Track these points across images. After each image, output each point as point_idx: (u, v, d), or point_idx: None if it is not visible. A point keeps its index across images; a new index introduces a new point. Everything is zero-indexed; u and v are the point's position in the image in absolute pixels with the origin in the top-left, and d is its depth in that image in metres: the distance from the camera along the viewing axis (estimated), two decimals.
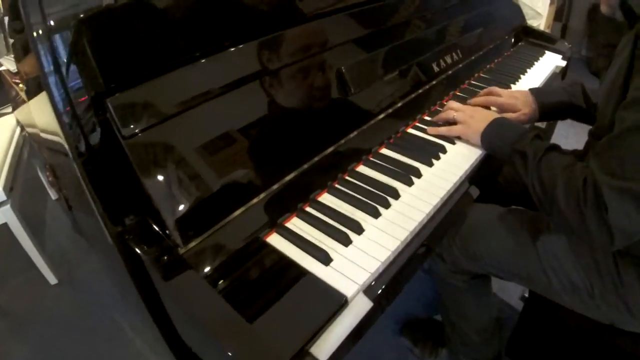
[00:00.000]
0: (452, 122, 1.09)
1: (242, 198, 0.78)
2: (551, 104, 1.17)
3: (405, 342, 1.52)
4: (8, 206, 1.53)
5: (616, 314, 0.92)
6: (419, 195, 0.90)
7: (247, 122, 0.83)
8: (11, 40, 0.96)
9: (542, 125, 1.45)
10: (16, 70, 1.52)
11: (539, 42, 1.77)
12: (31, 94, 0.93)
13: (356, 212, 0.85)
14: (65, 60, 0.68)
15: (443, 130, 1.09)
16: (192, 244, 0.70)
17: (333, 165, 0.94)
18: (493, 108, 1.19)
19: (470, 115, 1.06)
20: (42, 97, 0.73)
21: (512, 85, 1.42)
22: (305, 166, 0.89)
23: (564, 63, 1.64)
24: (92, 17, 0.70)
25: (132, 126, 0.69)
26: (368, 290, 0.71)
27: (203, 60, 0.81)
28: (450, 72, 1.33)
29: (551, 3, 2.92)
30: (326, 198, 0.90)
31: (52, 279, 1.81)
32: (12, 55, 1.43)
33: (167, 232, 0.69)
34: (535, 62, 1.61)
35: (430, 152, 1.02)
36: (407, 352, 1.50)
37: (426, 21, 1.30)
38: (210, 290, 0.64)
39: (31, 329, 1.65)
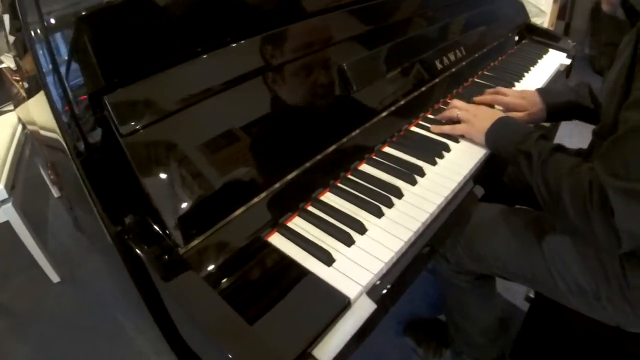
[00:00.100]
0: (456, 121, 1.08)
1: (243, 197, 0.77)
2: (558, 104, 1.16)
3: (408, 342, 1.52)
4: (10, 204, 1.52)
5: (622, 315, 0.91)
6: (422, 195, 0.89)
7: (248, 119, 0.82)
8: (11, 38, 0.96)
9: (545, 124, 1.44)
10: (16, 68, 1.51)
11: (543, 40, 1.75)
12: (31, 92, 0.92)
13: (359, 212, 0.85)
14: (62, 59, 0.67)
15: (447, 128, 1.08)
16: (193, 243, 0.70)
17: (335, 164, 0.93)
18: (498, 107, 1.18)
19: (474, 114, 1.05)
20: (40, 96, 0.72)
21: (516, 84, 1.41)
22: (307, 164, 0.88)
23: (568, 61, 1.62)
24: (91, 14, 0.69)
25: (130, 124, 0.68)
26: (371, 292, 0.70)
27: (202, 57, 0.80)
28: (453, 69, 1.32)
29: (554, 1, 2.91)
30: (328, 197, 0.89)
31: (55, 278, 1.80)
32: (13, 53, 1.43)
33: (166, 231, 0.68)
34: (540, 60, 1.59)
35: (434, 151, 1.01)
36: (411, 352, 1.50)
37: (429, 18, 1.29)
38: (210, 291, 0.63)
39: (33, 327, 1.65)
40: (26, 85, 1.01)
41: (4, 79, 1.72)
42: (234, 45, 0.84)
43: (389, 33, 1.14)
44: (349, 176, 0.94)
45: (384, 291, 0.72)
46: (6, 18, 0.81)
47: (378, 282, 0.72)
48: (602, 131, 0.89)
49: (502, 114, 1.04)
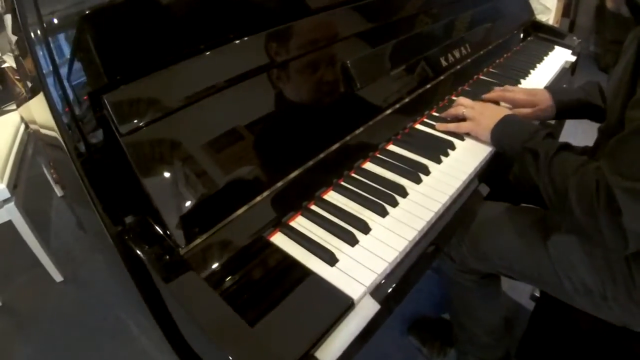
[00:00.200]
0: (461, 118, 1.08)
1: (245, 196, 0.76)
2: (568, 102, 1.15)
3: (412, 342, 1.51)
4: (12, 204, 1.52)
5: (629, 316, 0.90)
6: (427, 193, 0.88)
7: (250, 117, 0.81)
8: (14, 38, 0.96)
9: (551, 122, 1.43)
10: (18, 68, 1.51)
11: (548, 37, 1.75)
12: (31, 92, 0.92)
13: (363, 211, 0.84)
14: (62, 59, 0.67)
15: (452, 126, 1.07)
16: (194, 243, 0.69)
17: (339, 162, 0.92)
18: (504, 104, 1.17)
19: (479, 112, 1.05)
20: (41, 96, 0.71)
21: (521, 81, 1.40)
22: (310, 163, 0.87)
23: (573, 58, 1.62)
24: (93, 13, 0.68)
25: (129, 123, 0.67)
26: (375, 292, 0.70)
27: (203, 54, 0.79)
28: (458, 66, 1.31)
29: None
30: (332, 196, 0.88)
31: (58, 277, 1.80)
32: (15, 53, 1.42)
33: (167, 232, 0.68)
34: (545, 57, 1.59)
35: (438, 149, 1.01)
36: (415, 351, 1.49)
37: (434, 15, 1.28)
38: (211, 292, 0.62)
39: (36, 326, 1.64)
40: (29, 84, 1.01)
41: (6, 79, 1.72)
42: (235, 42, 0.83)
43: (393, 30, 1.13)
44: (353, 175, 0.94)
45: (388, 291, 0.71)
46: (8, 18, 0.80)
47: (382, 282, 0.72)
48: (608, 129, 0.88)
49: (508, 112, 1.03)
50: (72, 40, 0.67)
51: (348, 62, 0.98)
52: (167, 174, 0.69)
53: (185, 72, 0.76)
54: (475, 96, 1.20)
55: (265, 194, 0.79)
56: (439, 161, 0.98)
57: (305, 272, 0.70)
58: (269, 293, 0.66)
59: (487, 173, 0.99)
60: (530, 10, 1.81)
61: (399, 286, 0.73)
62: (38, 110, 0.90)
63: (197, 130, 0.74)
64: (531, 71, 1.47)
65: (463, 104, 1.09)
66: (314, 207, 0.85)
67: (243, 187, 0.77)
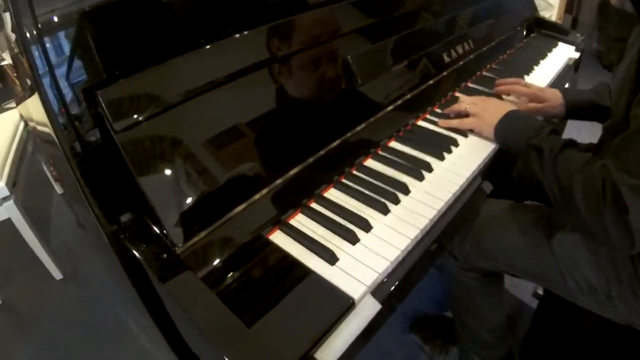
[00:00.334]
0: (464, 115, 1.07)
1: (243, 194, 0.76)
2: (578, 102, 1.15)
3: (414, 339, 1.50)
4: (11, 201, 1.52)
5: (634, 314, 0.90)
6: (430, 191, 0.88)
7: (248, 114, 0.80)
8: (13, 36, 0.95)
9: (554, 120, 1.43)
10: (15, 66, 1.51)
11: (551, 33, 1.74)
12: (29, 90, 0.91)
13: (364, 209, 0.83)
14: (57, 58, 0.66)
15: (455, 122, 1.07)
16: (191, 242, 0.68)
17: (340, 159, 0.92)
18: (510, 97, 1.17)
19: (483, 108, 1.04)
20: (36, 95, 0.71)
21: (525, 77, 1.39)
22: (311, 160, 0.86)
23: (577, 55, 1.61)
24: (87, 10, 0.68)
25: (124, 120, 0.66)
26: (376, 292, 0.69)
27: (200, 49, 0.78)
28: (461, 63, 1.30)
29: None
30: (332, 194, 0.87)
31: (57, 275, 1.80)
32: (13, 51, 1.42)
33: (163, 230, 0.67)
34: (549, 54, 1.58)
35: (441, 146, 1.00)
36: (417, 349, 1.48)
37: (436, 10, 1.27)
38: (207, 292, 0.62)
39: (35, 325, 1.64)
40: (27, 83, 1.00)
41: (6, 77, 1.72)
42: (232, 37, 0.82)
43: (395, 25, 1.12)
44: (354, 172, 0.93)
45: (390, 291, 0.70)
46: (6, 16, 0.80)
47: (383, 282, 0.71)
48: (613, 127, 0.88)
49: (511, 108, 1.02)
50: (67, 38, 0.67)
51: (349, 57, 0.97)
52: (162, 172, 0.68)
53: (182, 67, 0.75)
54: (478, 92, 1.19)
55: (264, 191, 0.78)
56: (441, 158, 0.97)
57: (304, 271, 0.69)
58: (268, 292, 0.65)
59: (490, 170, 0.98)
60: (533, 7, 1.80)
61: (400, 285, 0.72)
62: (34, 108, 0.89)
63: (194, 126, 0.73)
64: (535, 68, 1.46)
65: (466, 100, 1.09)
66: (314, 205, 0.84)
67: (242, 184, 0.76)
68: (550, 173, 0.82)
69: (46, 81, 0.66)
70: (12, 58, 1.03)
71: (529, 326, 1.25)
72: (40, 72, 0.66)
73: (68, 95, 0.67)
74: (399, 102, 1.07)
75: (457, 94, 1.24)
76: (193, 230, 0.68)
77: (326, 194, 0.87)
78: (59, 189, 2.27)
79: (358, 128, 0.96)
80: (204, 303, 0.60)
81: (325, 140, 0.90)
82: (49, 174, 2.20)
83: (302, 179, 0.84)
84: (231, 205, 0.73)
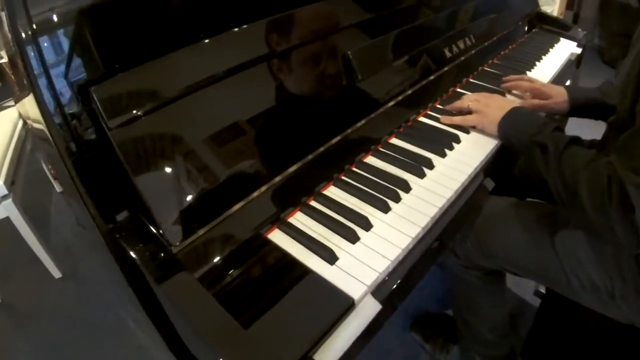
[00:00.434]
0: (467, 112, 1.06)
1: (241, 192, 0.75)
2: (582, 100, 1.15)
3: (415, 338, 1.50)
4: (10, 200, 1.51)
5: (637, 314, 0.89)
6: (431, 188, 0.87)
7: (246, 110, 0.79)
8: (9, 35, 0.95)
9: (556, 117, 1.43)
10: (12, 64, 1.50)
11: (553, 28, 1.74)
12: (24, 89, 0.90)
13: (364, 207, 0.82)
14: (52, 57, 0.65)
15: (457, 119, 1.06)
16: (187, 241, 0.67)
17: (339, 156, 0.91)
18: (510, 97, 1.15)
19: (486, 104, 1.03)
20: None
21: (527, 73, 1.39)
22: (310, 157, 0.86)
23: (579, 50, 1.61)
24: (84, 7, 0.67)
25: (118, 116, 0.65)
26: (376, 292, 0.68)
27: (197, 44, 0.77)
28: (462, 58, 1.30)
29: None
30: (332, 191, 0.86)
31: (56, 273, 1.79)
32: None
33: (159, 230, 0.66)
34: (551, 49, 1.58)
35: (443, 142, 0.99)
36: (418, 348, 1.48)
37: (437, 5, 1.26)
38: (204, 293, 0.61)
39: (34, 323, 1.64)
40: (24, 81, 1.00)
41: (4, 75, 1.71)
42: (230, 31, 0.81)
43: (396, 20, 1.11)
44: (354, 169, 0.92)
45: (390, 290, 0.69)
46: (4, 15, 0.79)
47: (384, 281, 0.70)
48: (617, 122, 0.87)
49: (515, 104, 1.02)
50: (62, 36, 0.66)
51: (349, 52, 0.96)
52: (158, 170, 0.67)
53: (178, 62, 0.74)
54: (480, 88, 1.18)
55: (262, 189, 0.77)
56: (443, 155, 0.96)
57: (303, 271, 0.68)
58: (266, 293, 0.65)
59: (492, 167, 0.98)
60: (534, 1, 1.80)
61: (401, 285, 0.71)
62: (31, 107, 0.88)
63: (190, 123, 0.72)
64: (537, 63, 1.45)
65: (469, 97, 1.08)
66: (313, 203, 0.83)
67: (239, 182, 0.75)
68: (555, 170, 0.81)
69: (41, 80, 0.65)
70: (9, 56, 1.03)
71: (531, 325, 1.25)
72: (35, 71, 0.65)
73: (63, 93, 0.66)
74: (400, 97, 1.06)
75: (458, 90, 1.23)
76: (190, 229, 0.67)
77: (326, 192, 0.86)
78: (58, 187, 2.26)
79: (358, 124, 0.95)
80: (200, 304, 0.59)
81: (324, 137, 0.89)
82: (48, 173, 2.19)
83: (301, 176, 0.83)
84: (229, 204, 0.73)
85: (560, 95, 1.14)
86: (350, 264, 0.70)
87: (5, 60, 1.72)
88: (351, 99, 0.97)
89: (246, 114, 0.79)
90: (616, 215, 0.70)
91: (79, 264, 1.87)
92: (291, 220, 0.79)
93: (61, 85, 0.66)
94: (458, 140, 1.01)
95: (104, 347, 1.53)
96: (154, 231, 0.66)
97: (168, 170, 0.68)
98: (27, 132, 1.78)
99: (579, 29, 1.71)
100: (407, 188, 0.86)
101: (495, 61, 1.44)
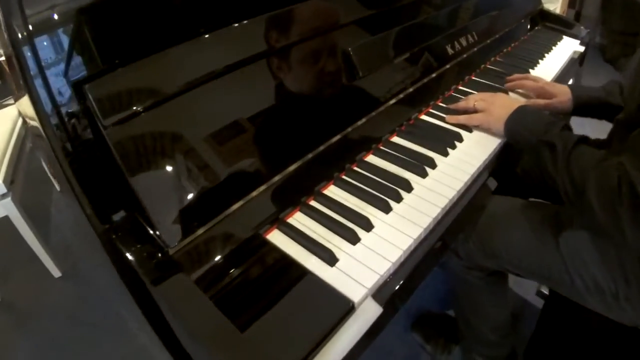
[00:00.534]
0: (472, 111, 1.06)
1: (240, 191, 0.74)
2: (587, 99, 1.14)
3: (416, 338, 1.49)
4: (9, 199, 1.50)
5: None
6: (433, 188, 0.86)
7: (245, 108, 0.78)
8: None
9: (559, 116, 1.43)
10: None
11: (556, 26, 1.73)
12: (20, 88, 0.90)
13: (365, 207, 0.81)
14: (48, 57, 0.64)
15: (463, 118, 1.05)
16: (184, 242, 0.66)
17: (340, 155, 0.90)
18: (513, 95, 1.15)
19: (491, 103, 1.03)
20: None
21: (530, 70, 1.38)
22: (310, 156, 0.85)
23: (582, 48, 1.60)
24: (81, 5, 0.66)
25: (113, 114, 0.64)
26: (377, 294, 0.67)
27: (195, 40, 0.75)
28: (465, 55, 1.29)
29: None
30: (332, 191, 0.85)
31: (56, 273, 1.79)
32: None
33: (155, 230, 0.65)
34: (553, 47, 1.57)
35: (445, 141, 0.98)
36: (419, 348, 1.47)
37: (440, 2, 1.25)
38: (200, 296, 0.60)
39: (34, 322, 1.63)
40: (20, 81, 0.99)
41: (4, 73, 1.70)
42: (228, 27, 0.80)
43: (397, 16, 1.10)
44: (355, 168, 0.91)
45: (392, 292, 0.68)
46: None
47: (385, 283, 0.69)
48: (626, 120, 0.86)
49: (520, 102, 1.01)
50: (58, 34, 0.65)
51: (350, 49, 0.95)
52: (154, 169, 0.66)
53: (175, 59, 0.73)
54: (482, 85, 1.17)
55: (262, 188, 0.76)
56: (445, 154, 0.95)
57: (303, 273, 0.67)
58: (264, 295, 0.64)
59: (495, 166, 0.97)
60: None
61: (403, 287, 0.70)
62: (28, 106, 0.88)
63: (188, 121, 0.71)
64: (540, 61, 1.45)
65: (473, 97, 1.07)
66: (313, 203, 0.82)
67: (238, 181, 0.74)
68: (563, 170, 0.80)
69: (37, 80, 0.64)
70: (6, 56, 1.02)
71: (534, 327, 1.24)
72: (31, 72, 0.64)
73: (58, 93, 0.65)
74: (401, 95, 1.05)
75: (461, 87, 1.22)
76: (187, 230, 0.66)
77: (326, 191, 0.85)
78: (58, 186, 2.26)
79: (359, 122, 0.95)
80: (197, 306, 0.59)
81: (325, 135, 0.88)
82: (48, 171, 2.19)
83: (301, 175, 0.82)
84: (227, 204, 0.72)
85: (564, 94, 1.14)
86: (351, 266, 0.69)
87: (4, 58, 1.71)
88: (352, 97, 0.96)
89: (245, 111, 0.78)
90: (626, 216, 0.69)
91: (79, 263, 1.86)
92: (290, 220, 0.78)
93: (56, 84, 0.65)
94: (460, 139, 1.00)
95: (103, 346, 1.52)
96: (150, 232, 0.65)
97: (164, 169, 0.67)
98: (27, 130, 1.78)
99: (582, 27, 1.70)
100: (408, 188, 0.85)
101: (498, 59, 1.43)
